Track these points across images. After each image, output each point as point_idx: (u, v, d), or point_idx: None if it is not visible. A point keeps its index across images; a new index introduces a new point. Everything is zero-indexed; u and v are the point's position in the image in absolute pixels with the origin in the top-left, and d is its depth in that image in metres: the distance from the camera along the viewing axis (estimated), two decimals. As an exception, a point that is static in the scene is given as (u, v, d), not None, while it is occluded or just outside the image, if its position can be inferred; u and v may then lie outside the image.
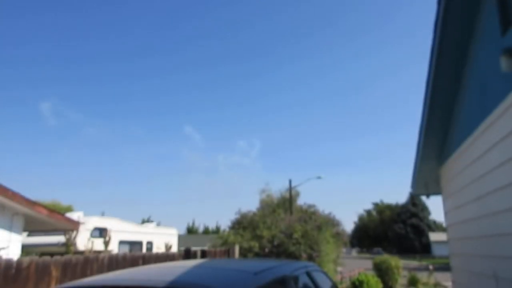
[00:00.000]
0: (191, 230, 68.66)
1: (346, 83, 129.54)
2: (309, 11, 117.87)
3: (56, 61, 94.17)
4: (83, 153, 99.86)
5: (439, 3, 5.10)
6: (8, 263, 4.23)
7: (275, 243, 13.61)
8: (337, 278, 19.63)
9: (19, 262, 4.35)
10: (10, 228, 7.56)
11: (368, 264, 30.49)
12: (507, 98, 4.04)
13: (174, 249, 24.26)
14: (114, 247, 18.53)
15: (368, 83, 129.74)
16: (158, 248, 22.84)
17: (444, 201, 8.07)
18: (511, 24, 3.94)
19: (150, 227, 26.08)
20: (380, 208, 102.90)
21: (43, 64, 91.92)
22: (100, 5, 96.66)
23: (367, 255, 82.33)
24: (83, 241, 16.08)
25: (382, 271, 18.65)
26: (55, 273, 4.76)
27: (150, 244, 23.28)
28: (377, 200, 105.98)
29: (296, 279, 2.99)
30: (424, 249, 77.04)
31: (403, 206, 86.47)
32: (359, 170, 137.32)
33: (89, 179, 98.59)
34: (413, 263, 45.31)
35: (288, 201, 24.78)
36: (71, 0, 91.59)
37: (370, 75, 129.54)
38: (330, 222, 16.47)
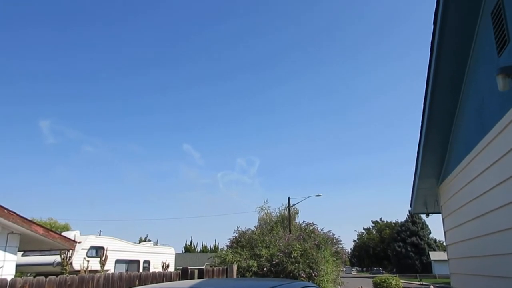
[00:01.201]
0: (188, 249, 68.01)
1: (343, 101, 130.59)
2: (310, 27, 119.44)
3: (53, 78, 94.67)
4: (81, 171, 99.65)
5: (435, 23, 5.17)
6: (2, 284, 4.16)
7: (274, 262, 13.47)
8: (336, 298, 19.36)
9: (13, 282, 4.27)
10: (4, 247, 7.45)
11: (368, 283, 30.12)
12: (504, 116, 4.05)
13: (172, 268, 23.99)
14: (110, 267, 18.31)
15: (366, 101, 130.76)
16: (156, 267, 22.57)
17: (444, 219, 8.01)
18: (507, 44, 3.98)
19: (147, 246, 25.86)
20: (380, 227, 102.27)
21: (42, 81, 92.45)
22: (99, 22, 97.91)
23: (367, 274, 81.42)
24: (79, 260, 15.90)
25: (382, 291, 18.43)
26: (49, 294, 4.67)
27: (147, 263, 23.03)
28: (377, 218, 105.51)
29: (294, 300, 2.94)
30: (424, 268, 76.21)
31: (403, 225, 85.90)
32: (358, 188, 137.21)
33: (86, 197, 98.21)
34: (414, 282, 44.77)
35: (287, 219, 24.61)
36: (71, 16, 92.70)
37: (369, 92, 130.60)
38: (329, 241, 16.32)
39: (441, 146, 7.03)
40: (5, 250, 7.47)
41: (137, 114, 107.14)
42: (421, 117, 6.67)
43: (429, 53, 5.58)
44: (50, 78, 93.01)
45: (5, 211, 7.14)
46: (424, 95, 6.20)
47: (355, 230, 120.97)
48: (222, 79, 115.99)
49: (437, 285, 33.59)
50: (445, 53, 5.37)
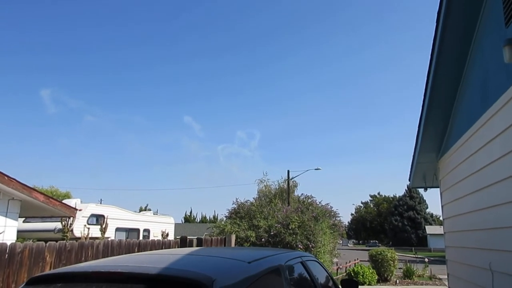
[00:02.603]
0: (188, 219, 68.92)
1: (345, 73, 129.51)
2: (309, 2, 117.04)
3: (56, 49, 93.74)
4: (83, 140, 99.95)
5: (442, -8, 5.02)
6: (2, 248, 4.20)
7: (272, 233, 13.64)
8: (333, 269, 19.75)
9: (12, 247, 4.31)
10: (5, 213, 7.53)
11: (364, 255, 30.69)
12: (509, 89, 3.98)
13: (171, 237, 24.35)
14: (111, 234, 18.58)
15: (367, 73, 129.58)
16: (155, 236, 22.93)
17: (442, 194, 8.05)
18: (516, 14, 3.86)
19: (147, 215, 26.17)
20: (377, 200, 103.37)
21: (44, 51, 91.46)
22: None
23: (363, 247, 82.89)
24: (80, 227, 16.11)
25: (377, 263, 18.75)
26: (49, 258, 4.73)
27: (147, 232, 23.37)
28: (375, 192, 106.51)
29: (291, 268, 2.96)
30: (420, 242, 77.49)
31: (400, 199, 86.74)
32: (357, 161, 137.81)
33: (88, 166, 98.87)
34: (409, 255, 45.59)
35: (285, 192, 24.81)
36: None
37: (369, 66, 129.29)
38: (327, 213, 16.48)
39: (443, 120, 6.97)
40: (6, 216, 7.55)
41: (138, 86, 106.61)
42: (423, 90, 6.58)
43: (435, 24, 5.44)
44: (51, 49, 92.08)
45: (6, 177, 7.17)
46: (428, 67, 6.09)
47: (353, 204, 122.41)
48: (223, 52, 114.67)
49: (432, 258, 34.24)
50: (451, 24, 5.23)
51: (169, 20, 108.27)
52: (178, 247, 7.09)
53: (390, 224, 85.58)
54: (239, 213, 15.54)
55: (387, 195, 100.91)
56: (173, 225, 27.49)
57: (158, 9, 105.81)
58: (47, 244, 4.76)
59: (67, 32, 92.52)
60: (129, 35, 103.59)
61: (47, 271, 4.56)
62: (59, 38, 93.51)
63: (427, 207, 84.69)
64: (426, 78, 6.32)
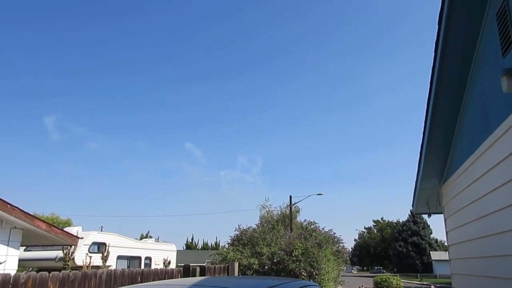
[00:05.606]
0: (190, 246, 68.15)
1: (345, 99, 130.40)
2: (313, 24, 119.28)
3: (59, 73, 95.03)
4: (83, 167, 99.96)
5: (439, 24, 5.16)
6: (5, 279, 4.18)
7: (275, 260, 13.47)
8: (337, 297, 19.36)
9: (16, 277, 4.29)
10: (7, 242, 7.48)
11: (369, 282, 30.13)
12: (508, 118, 4.05)
13: (173, 265, 24.05)
14: (112, 263, 18.36)
15: (368, 99, 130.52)
16: (157, 264, 22.64)
17: (446, 220, 8.00)
18: (512, 45, 3.96)
19: (149, 242, 25.89)
20: (381, 226, 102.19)
21: (48, 76, 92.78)
22: (104, 18, 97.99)
23: (368, 273, 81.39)
24: (81, 256, 15.95)
25: (383, 290, 18.41)
26: (52, 289, 4.69)
27: (148, 259, 23.08)
28: (378, 218, 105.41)
29: (296, 299, 2.94)
30: (425, 268, 76.12)
31: (404, 224, 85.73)
32: (360, 187, 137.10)
33: (88, 193, 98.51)
34: (415, 282, 44.74)
35: (288, 218, 24.62)
36: (76, 12, 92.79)
37: (370, 92, 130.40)
38: (330, 240, 16.32)
39: (444, 147, 7.02)
40: (7, 245, 7.51)
41: (140, 111, 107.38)
42: (424, 117, 6.66)
43: (433, 54, 5.56)
44: (55, 74, 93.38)
45: (8, 206, 7.16)
46: (427, 94, 6.19)
47: (356, 229, 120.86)
48: (224, 77, 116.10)
49: (438, 285, 33.58)
50: (450, 53, 5.35)
51: (171, 45, 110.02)
52: (181, 276, 7.02)
53: (394, 250, 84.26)
54: (242, 240, 15.39)
55: (390, 220, 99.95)
56: (175, 252, 27.18)
57: (160, 34, 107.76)
58: (50, 274, 4.73)
59: (69, 56, 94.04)
60: (132, 59, 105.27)
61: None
62: (63, 61, 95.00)
63: (431, 233, 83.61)
64: (426, 105, 6.40)
